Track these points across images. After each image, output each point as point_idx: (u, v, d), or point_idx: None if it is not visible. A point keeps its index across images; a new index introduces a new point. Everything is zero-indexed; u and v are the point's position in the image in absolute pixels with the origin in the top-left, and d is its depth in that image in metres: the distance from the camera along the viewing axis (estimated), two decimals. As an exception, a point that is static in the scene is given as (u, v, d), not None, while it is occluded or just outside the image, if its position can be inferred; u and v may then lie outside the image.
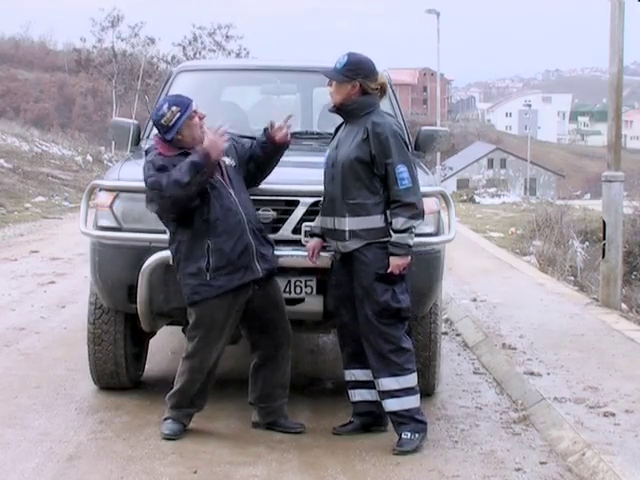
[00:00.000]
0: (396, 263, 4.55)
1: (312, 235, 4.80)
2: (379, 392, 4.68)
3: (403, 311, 4.62)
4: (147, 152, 4.79)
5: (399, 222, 4.52)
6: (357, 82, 4.65)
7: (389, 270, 4.55)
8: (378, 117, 4.63)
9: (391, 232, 4.54)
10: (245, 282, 4.58)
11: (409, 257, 4.58)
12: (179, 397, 4.76)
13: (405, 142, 4.64)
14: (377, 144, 4.55)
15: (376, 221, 4.59)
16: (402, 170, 4.54)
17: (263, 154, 4.83)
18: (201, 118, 4.65)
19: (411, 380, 4.65)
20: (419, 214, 4.59)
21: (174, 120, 4.57)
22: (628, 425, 4.82)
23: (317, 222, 4.79)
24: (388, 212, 4.57)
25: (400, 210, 4.53)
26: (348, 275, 4.68)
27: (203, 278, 4.54)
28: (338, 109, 4.74)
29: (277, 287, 4.80)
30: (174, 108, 4.58)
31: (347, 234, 4.60)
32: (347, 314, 4.74)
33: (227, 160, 4.72)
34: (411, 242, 4.57)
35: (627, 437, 4.63)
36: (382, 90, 4.75)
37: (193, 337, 4.67)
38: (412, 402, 4.64)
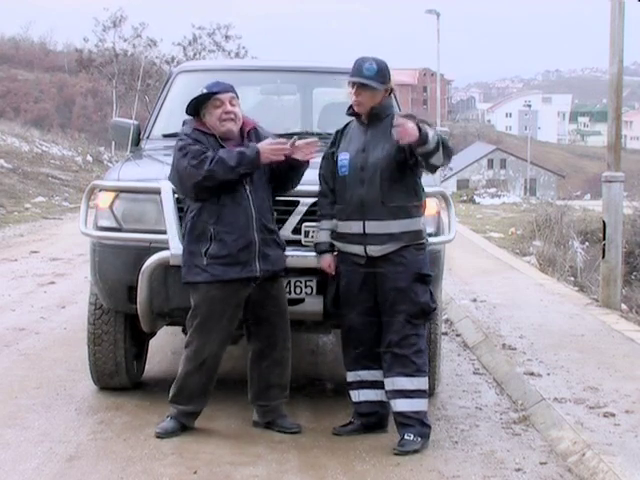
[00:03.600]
0: (407, 125, 4.35)
1: (322, 252, 4.75)
2: (389, 391, 4.67)
3: (434, 311, 4.77)
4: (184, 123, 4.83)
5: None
6: (389, 86, 4.70)
7: (398, 125, 4.37)
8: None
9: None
10: (241, 277, 4.59)
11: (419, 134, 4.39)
12: (175, 389, 4.78)
13: None
14: None
15: (417, 223, 4.62)
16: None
17: (278, 168, 4.72)
18: (226, 112, 4.64)
19: (424, 383, 4.66)
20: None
21: (196, 96, 4.68)
22: (628, 425, 4.82)
23: (324, 237, 4.74)
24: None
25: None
26: (366, 282, 4.67)
27: (200, 261, 4.59)
28: (358, 113, 4.72)
29: (280, 288, 4.79)
30: (204, 88, 4.69)
31: (385, 237, 4.58)
32: (356, 318, 4.73)
33: None
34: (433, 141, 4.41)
35: (627, 437, 4.63)
36: (392, 89, 4.79)
37: (190, 325, 4.70)
38: (422, 405, 4.65)
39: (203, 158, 4.52)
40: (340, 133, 4.85)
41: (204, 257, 4.58)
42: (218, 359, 4.76)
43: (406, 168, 4.59)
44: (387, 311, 4.64)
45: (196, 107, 4.72)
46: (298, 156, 4.63)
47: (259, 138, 4.73)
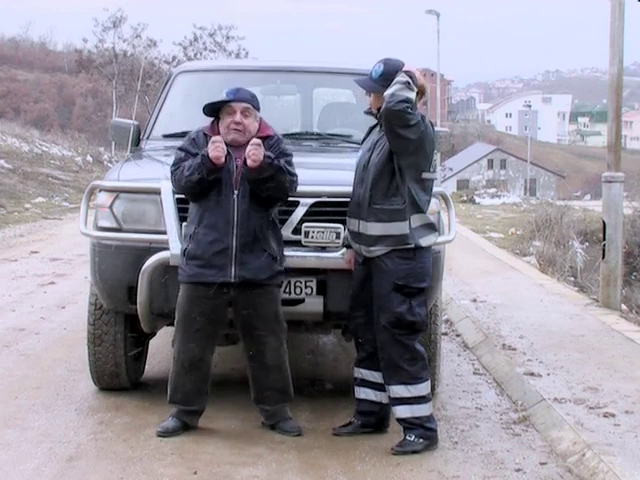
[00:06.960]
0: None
1: (346, 246, 4.78)
2: (390, 398, 4.68)
3: (418, 324, 4.61)
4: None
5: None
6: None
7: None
8: None
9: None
10: (216, 281, 4.58)
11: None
12: (170, 390, 4.80)
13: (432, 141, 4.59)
14: None
15: (402, 227, 4.55)
16: None
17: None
18: (235, 123, 4.60)
19: (423, 389, 4.63)
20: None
21: (213, 101, 4.67)
22: (628, 426, 4.82)
23: (346, 232, 4.76)
24: (412, 217, 4.55)
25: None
26: (366, 280, 4.66)
27: (182, 261, 4.65)
28: (373, 113, 4.71)
29: (267, 295, 4.68)
30: (223, 93, 4.67)
31: (373, 239, 4.56)
32: (362, 317, 4.72)
33: None
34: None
35: (627, 438, 4.63)
36: (421, 92, 4.60)
37: (175, 321, 4.76)
38: (423, 410, 4.63)
39: (177, 166, 4.62)
40: (370, 130, 4.84)
41: (184, 256, 4.64)
42: (205, 359, 4.75)
43: (394, 171, 4.53)
44: (375, 316, 4.63)
45: (213, 110, 4.70)
46: (248, 161, 4.52)
47: (267, 147, 4.59)
